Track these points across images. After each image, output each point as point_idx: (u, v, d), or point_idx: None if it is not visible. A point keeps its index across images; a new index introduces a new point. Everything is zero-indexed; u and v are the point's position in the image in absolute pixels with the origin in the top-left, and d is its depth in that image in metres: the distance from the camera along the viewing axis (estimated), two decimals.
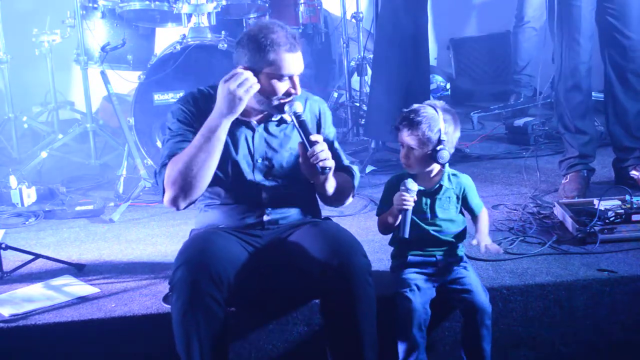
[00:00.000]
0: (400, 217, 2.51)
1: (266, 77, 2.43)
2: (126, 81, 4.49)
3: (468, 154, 4.47)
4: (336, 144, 2.71)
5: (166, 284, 2.42)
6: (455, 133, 2.56)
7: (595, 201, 3.16)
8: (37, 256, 3.01)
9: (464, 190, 2.61)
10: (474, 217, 2.65)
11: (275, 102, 2.46)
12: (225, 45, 3.96)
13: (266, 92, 2.44)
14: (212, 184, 2.45)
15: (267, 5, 4.47)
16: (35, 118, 5.38)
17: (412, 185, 2.49)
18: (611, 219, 3.02)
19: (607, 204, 3.11)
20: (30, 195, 3.91)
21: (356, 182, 2.71)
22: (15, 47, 5.15)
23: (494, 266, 2.84)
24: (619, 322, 2.72)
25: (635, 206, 3.06)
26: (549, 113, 4.65)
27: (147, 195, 3.88)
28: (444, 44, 6.26)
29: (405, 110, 2.55)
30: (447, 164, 2.56)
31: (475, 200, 2.63)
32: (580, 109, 3.62)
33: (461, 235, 2.63)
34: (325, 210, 2.78)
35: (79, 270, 3.00)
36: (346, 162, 2.72)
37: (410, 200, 2.48)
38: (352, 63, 5.16)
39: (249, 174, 2.55)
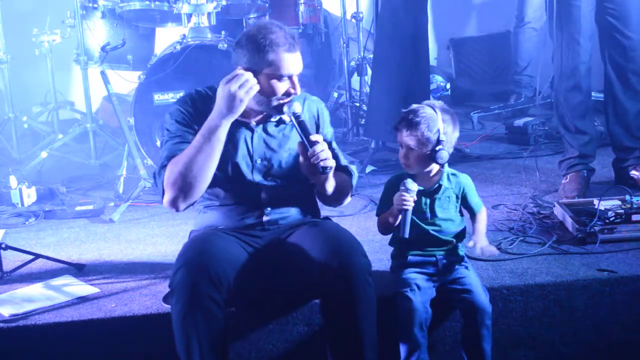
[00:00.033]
0: (400, 217, 2.51)
1: (265, 77, 2.43)
2: (126, 81, 4.49)
3: (468, 154, 4.47)
4: (334, 144, 2.72)
5: (166, 284, 2.42)
6: (454, 133, 2.56)
7: (595, 201, 3.16)
8: (37, 256, 3.01)
9: (463, 189, 2.61)
10: (473, 217, 2.65)
11: (275, 103, 2.46)
12: (225, 45, 3.96)
13: (266, 93, 2.44)
14: (211, 185, 2.45)
15: (267, 5, 4.47)
16: (35, 118, 5.38)
17: (412, 185, 2.49)
18: (611, 219, 3.02)
19: (607, 204, 3.11)
20: (30, 195, 3.91)
21: (354, 182, 2.71)
22: (15, 47, 5.15)
23: (494, 266, 2.84)
24: (619, 322, 2.72)
25: (635, 206, 3.05)
26: (549, 113, 4.65)
27: (147, 195, 3.88)
28: (444, 44, 6.26)
29: (404, 110, 2.55)
30: (446, 164, 2.56)
31: (474, 199, 2.63)
32: (580, 109, 3.62)
33: (461, 235, 2.63)
34: (325, 210, 2.78)
35: (79, 270, 3.00)
36: (344, 161, 2.72)
37: (410, 200, 2.48)
38: (352, 63, 5.16)
39: (248, 175, 2.55)
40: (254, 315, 2.61)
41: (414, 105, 2.55)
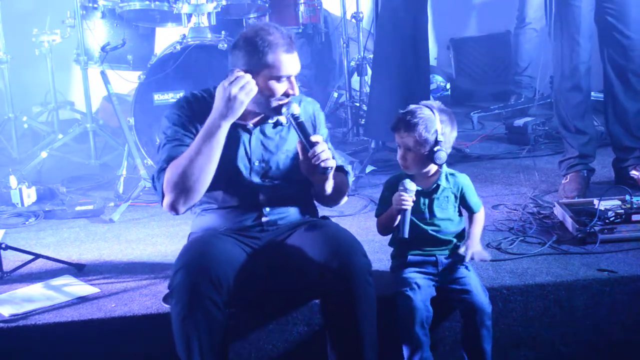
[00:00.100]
0: (399, 217, 2.51)
1: (264, 78, 2.42)
2: (126, 81, 4.49)
3: (468, 154, 4.47)
4: (329, 144, 2.71)
5: (166, 284, 2.42)
6: (452, 133, 2.56)
7: (595, 201, 3.16)
8: (37, 256, 3.01)
9: (462, 189, 2.61)
10: (471, 217, 2.65)
11: (274, 104, 2.46)
12: (225, 45, 3.95)
13: (264, 94, 2.44)
14: (209, 188, 2.44)
15: (267, 5, 4.47)
16: (35, 118, 5.38)
17: (411, 186, 2.49)
18: (611, 219, 3.01)
19: (607, 204, 3.11)
20: (30, 195, 3.91)
21: (350, 181, 2.71)
22: (15, 47, 5.15)
23: (494, 266, 2.84)
24: (619, 322, 2.72)
25: (635, 206, 3.05)
26: (549, 113, 4.65)
27: (147, 195, 3.88)
28: (444, 44, 6.26)
29: (402, 111, 2.55)
30: (444, 164, 2.56)
31: (473, 199, 2.63)
32: (580, 109, 3.63)
33: (461, 235, 2.63)
34: (325, 210, 2.78)
35: (79, 270, 3.00)
36: (339, 161, 2.72)
37: (409, 200, 2.48)
38: (352, 63, 5.16)
39: (246, 177, 2.55)
40: (254, 316, 2.61)
41: (412, 106, 2.55)
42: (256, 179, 2.56)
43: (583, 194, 3.51)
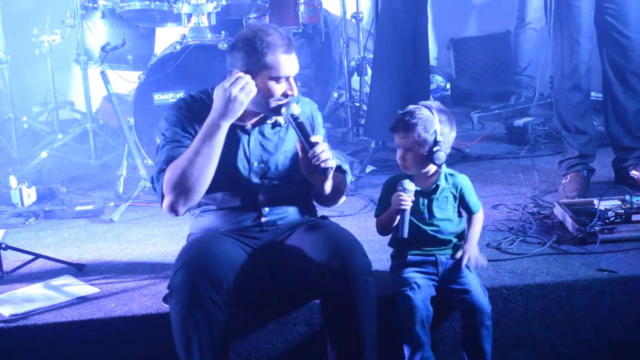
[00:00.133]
0: (398, 217, 2.51)
1: (263, 79, 2.42)
2: (126, 81, 4.49)
3: (468, 154, 4.47)
4: (327, 144, 2.71)
5: (166, 284, 2.42)
6: (451, 133, 2.56)
7: (595, 201, 3.16)
8: (37, 256, 3.01)
9: (461, 189, 2.61)
10: (470, 218, 2.65)
11: (273, 104, 2.46)
12: (225, 45, 3.95)
13: (263, 95, 2.44)
14: (208, 189, 2.44)
15: (267, 5, 4.47)
16: (35, 118, 5.38)
17: (410, 186, 2.49)
18: (611, 219, 3.01)
19: (607, 204, 3.11)
20: (30, 195, 3.91)
21: (349, 180, 2.72)
22: (15, 47, 5.15)
23: (494, 266, 2.84)
24: (619, 322, 2.72)
25: (635, 206, 3.05)
26: (549, 113, 4.65)
27: (147, 195, 3.88)
28: (444, 44, 6.26)
29: (401, 112, 2.55)
30: (444, 164, 2.56)
31: (472, 200, 2.63)
32: (580, 109, 3.63)
33: (461, 235, 2.63)
34: (325, 210, 2.78)
35: (79, 270, 3.00)
36: (337, 161, 2.72)
37: (407, 200, 2.48)
38: (352, 63, 5.16)
39: (245, 178, 2.55)
40: (254, 316, 2.61)
41: (411, 107, 2.55)
42: (255, 180, 2.56)
43: (583, 194, 3.51)
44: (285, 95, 2.46)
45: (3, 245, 2.92)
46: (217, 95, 2.41)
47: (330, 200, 2.66)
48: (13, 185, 3.89)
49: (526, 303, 2.68)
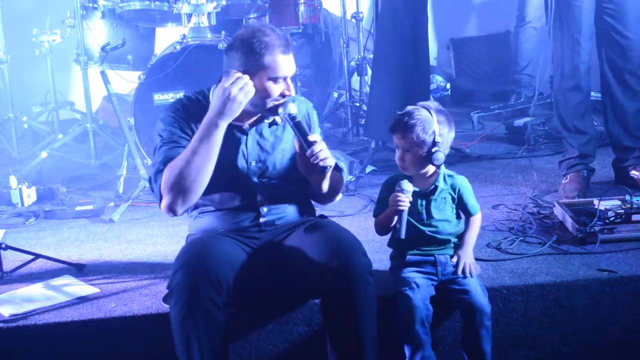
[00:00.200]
0: (396, 218, 2.51)
1: (261, 79, 2.43)
2: (126, 81, 4.49)
3: (468, 154, 4.47)
4: (324, 143, 2.71)
5: (166, 284, 2.42)
6: (449, 134, 2.56)
7: (595, 201, 3.16)
8: (37, 256, 3.01)
9: (459, 190, 2.60)
10: (468, 220, 2.64)
11: (270, 104, 2.46)
12: (225, 45, 3.95)
13: (261, 95, 2.44)
14: (206, 190, 2.44)
15: (267, 5, 4.47)
16: (35, 118, 5.38)
17: (407, 186, 2.49)
18: (611, 219, 3.01)
19: (607, 204, 3.11)
20: (30, 195, 3.91)
21: (345, 178, 2.71)
22: (15, 47, 5.15)
23: (494, 266, 2.84)
24: (619, 322, 2.72)
25: (635, 206, 3.05)
26: (549, 113, 4.65)
27: (147, 195, 3.88)
28: (444, 44, 6.27)
29: (399, 112, 2.55)
30: (443, 165, 2.56)
31: (471, 201, 2.63)
32: (580, 109, 3.63)
33: (461, 235, 2.63)
34: (325, 210, 2.78)
35: (79, 270, 3.00)
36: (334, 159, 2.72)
37: (405, 201, 2.48)
38: (352, 63, 5.15)
39: (243, 178, 2.55)
40: (254, 316, 2.61)
41: (409, 107, 2.55)
42: (253, 180, 2.56)
43: (583, 194, 3.51)
44: (282, 95, 2.46)
45: (3, 245, 2.92)
46: (216, 95, 2.41)
47: (327, 198, 2.66)
48: (13, 185, 3.89)
49: (526, 303, 2.68)
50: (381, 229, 2.63)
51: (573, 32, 3.49)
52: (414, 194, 2.52)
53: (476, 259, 2.83)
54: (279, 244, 2.55)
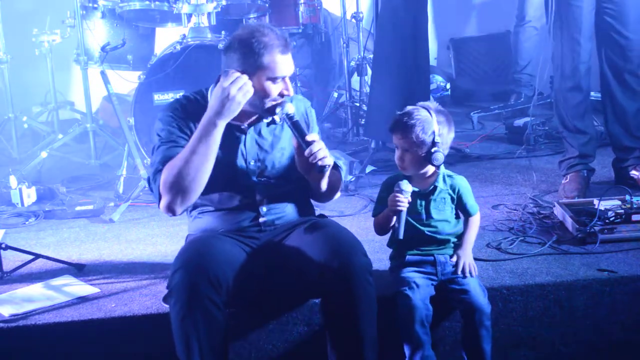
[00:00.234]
0: (394, 218, 2.51)
1: (259, 79, 2.43)
2: (126, 81, 4.49)
3: (468, 154, 4.47)
4: (322, 142, 2.71)
5: (166, 284, 2.42)
6: (449, 134, 2.56)
7: (595, 201, 3.16)
8: (37, 256, 3.01)
9: (459, 191, 2.60)
10: (467, 221, 2.64)
11: (268, 104, 2.46)
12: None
13: (259, 95, 2.44)
14: (205, 190, 2.44)
15: (267, 5, 4.47)
16: (35, 118, 5.38)
17: (406, 187, 2.49)
18: (611, 219, 3.01)
19: (607, 204, 3.11)
20: (30, 195, 3.91)
21: (343, 176, 2.72)
22: (15, 47, 5.16)
23: (494, 266, 2.84)
24: (619, 322, 2.72)
25: (635, 206, 3.05)
26: (549, 113, 4.65)
27: (147, 195, 3.88)
28: (444, 44, 6.27)
29: (399, 113, 2.55)
30: (442, 165, 2.56)
31: (470, 201, 2.63)
32: (580, 109, 3.63)
33: (460, 235, 2.63)
34: (325, 210, 2.78)
35: (79, 270, 3.00)
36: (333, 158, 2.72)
37: (404, 201, 2.48)
38: (352, 63, 5.15)
39: (242, 177, 2.55)
40: (254, 315, 2.61)
41: (409, 108, 2.55)
42: (252, 179, 2.56)
43: (583, 194, 3.51)
44: (281, 95, 2.46)
45: (3, 245, 2.92)
46: (214, 94, 2.41)
47: (326, 196, 2.66)
48: (13, 185, 3.89)
49: (526, 303, 2.68)
50: (380, 229, 2.63)
51: (573, 32, 3.49)
52: (414, 194, 2.52)
53: (476, 259, 2.83)
54: (279, 244, 2.55)
